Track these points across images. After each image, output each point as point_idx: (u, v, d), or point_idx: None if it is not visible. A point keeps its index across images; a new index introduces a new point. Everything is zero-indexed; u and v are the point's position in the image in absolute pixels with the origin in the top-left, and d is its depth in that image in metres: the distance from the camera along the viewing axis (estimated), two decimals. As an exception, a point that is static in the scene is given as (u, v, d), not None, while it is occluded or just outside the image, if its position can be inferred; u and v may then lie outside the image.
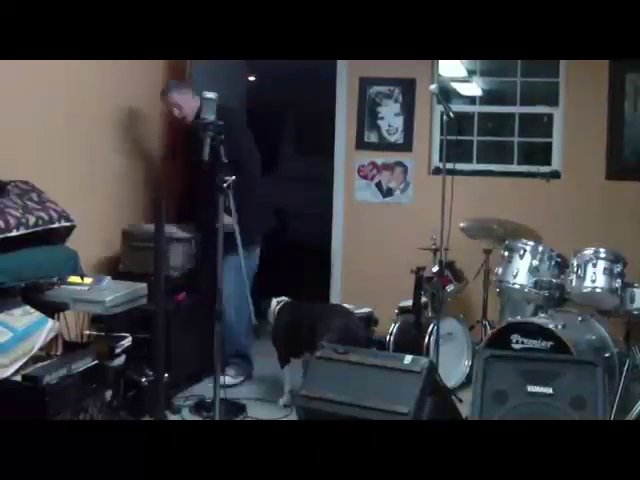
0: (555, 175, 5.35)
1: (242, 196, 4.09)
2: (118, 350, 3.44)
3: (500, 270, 4.29)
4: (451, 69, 5.58)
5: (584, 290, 3.93)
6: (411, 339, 4.44)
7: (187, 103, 4.42)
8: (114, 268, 4.31)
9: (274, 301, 4.33)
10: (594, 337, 3.95)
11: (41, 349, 3.10)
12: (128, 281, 3.77)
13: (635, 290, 3.85)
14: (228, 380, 4.39)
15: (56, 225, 3.29)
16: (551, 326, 3.75)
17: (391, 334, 4.57)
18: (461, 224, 4.56)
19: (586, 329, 3.98)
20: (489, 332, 4.25)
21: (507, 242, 4.37)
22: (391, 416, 2.96)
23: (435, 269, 4.53)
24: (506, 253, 4.31)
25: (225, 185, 3.05)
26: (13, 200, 3.22)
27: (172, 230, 4.31)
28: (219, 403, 3.10)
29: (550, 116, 5.42)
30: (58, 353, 3.23)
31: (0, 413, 2.82)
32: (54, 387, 2.93)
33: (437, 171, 5.42)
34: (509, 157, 5.55)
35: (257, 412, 4.02)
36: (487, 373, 3.21)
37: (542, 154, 5.49)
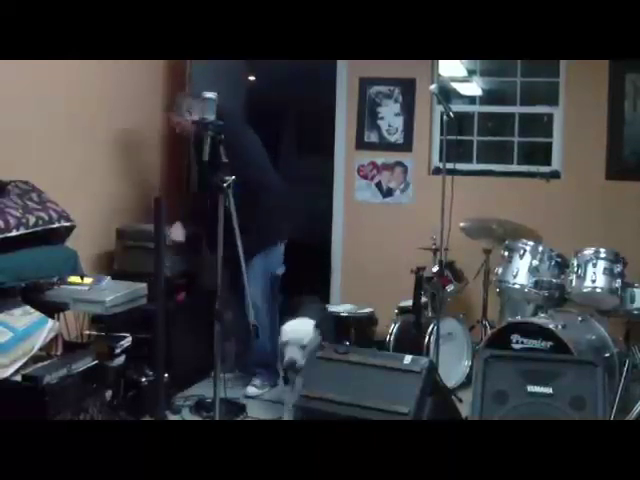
0: (555, 175, 5.34)
1: (253, 198, 4.12)
2: (118, 350, 3.44)
3: (500, 270, 4.29)
4: (451, 69, 5.58)
5: (584, 290, 3.93)
6: (411, 339, 4.44)
7: (184, 123, 4.37)
8: (112, 268, 4.31)
9: None
10: (594, 337, 3.95)
11: (41, 349, 3.10)
12: (128, 281, 3.77)
13: (635, 290, 3.85)
14: (253, 391, 4.33)
15: (56, 225, 3.29)
16: (551, 326, 3.75)
17: (391, 334, 4.56)
18: (461, 224, 4.56)
19: (586, 329, 3.98)
20: (489, 332, 4.25)
21: (507, 242, 4.37)
22: (391, 416, 2.97)
23: (435, 269, 4.53)
24: (506, 253, 4.31)
25: (225, 185, 3.06)
26: (13, 200, 3.22)
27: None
28: (219, 403, 3.10)
29: (550, 116, 5.42)
30: (58, 353, 3.23)
31: (0, 413, 2.82)
32: (54, 387, 2.93)
33: (437, 171, 5.42)
34: (509, 157, 5.55)
35: (257, 412, 4.02)
36: (487, 373, 3.21)
37: (542, 154, 5.49)
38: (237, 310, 4.16)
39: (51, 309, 3.30)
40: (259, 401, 4.25)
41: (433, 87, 4.18)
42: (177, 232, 4.35)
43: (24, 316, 3.11)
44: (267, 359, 4.41)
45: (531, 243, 4.28)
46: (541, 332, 3.75)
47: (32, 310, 3.17)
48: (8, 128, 3.55)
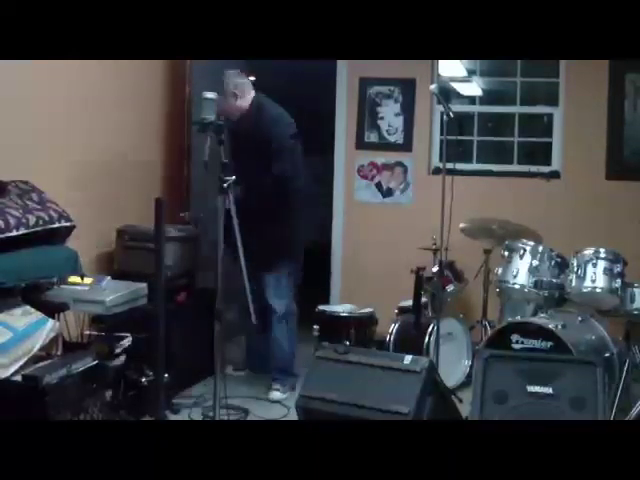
0: (555, 175, 5.35)
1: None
2: (118, 350, 3.43)
3: (500, 270, 4.28)
4: (451, 69, 5.58)
5: (584, 290, 3.93)
6: (411, 339, 4.44)
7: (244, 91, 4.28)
8: (112, 268, 4.31)
9: None
10: (594, 337, 3.95)
11: (41, 349, 3.10)
12: (128, 281, 3.77)
13: (635, 290, 3.85)
14: (277, 395, 4.31)
15: (56, 225, 3.29)
16: (551, 326, 3.75)
17: (391, 334, 4.56)
18: (461, 225, 4.56)
19: (586, 329, 3.98)
20: (489, 332, 4.25)
21: (507, 242, 4.37)
22: (391, 416, 2.97)
23: (435, 269, 4.53)
24: (506, 253, 4.31)
25: (225, 185, 3.06)
26: (13, 200, 3.22)
27: (167, 229, 4.31)
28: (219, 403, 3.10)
29: (550, 116, 5.42)
30: (58, 353, 3.22)
31: (0, 413, 2.82)
32: (54, 387, 2.93)
33: (437, 171, 5.42)
34: (509, 157, 5.55)
35: (257, 412, 4.02)
36: (487, 373, 3.21)
37: (542, 154, 5.49)
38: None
39: (51, 309, 3.30)
40: (259, 401, 4.24)
41: (433, 87, 4.18)
42: None
43: (24, 316, 3.11)
44: (285, 364, 4.42)
45: (531, 243, 4.28)
46: (541, 332, 3.75)
47: (32, 310, 3.17)
48: (8, 128, 3.56)
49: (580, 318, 4.02)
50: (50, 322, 3.18)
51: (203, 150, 3.10)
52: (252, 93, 4.31)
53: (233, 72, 4.28)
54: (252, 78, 4.50)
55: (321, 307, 4.53)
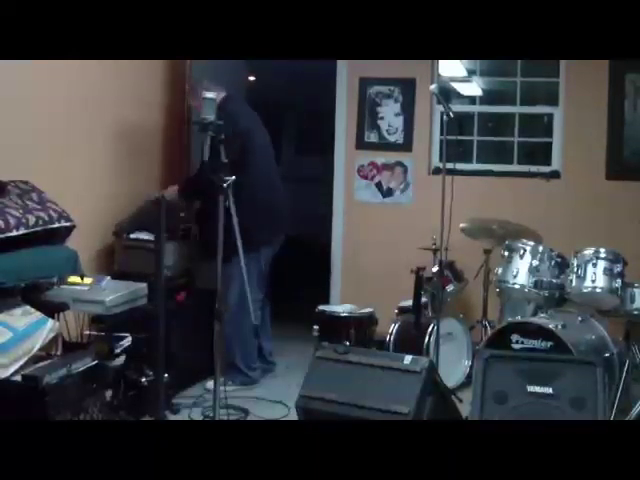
0: (555, 175, 5.35)
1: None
2: (118, 350, 3.43)
3: (500, 270, 4.28)
4: (451, 69, 5.58)
5: (584, 290, 3.93)
6: (411, 339, 4.44)
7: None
8: (112, 268, 4.31)
9: None
10: (594, 337, 3.95)
11: (41, 349, 3.10)
12: (128, 281, 3.77)
13: (635, 290, 3.85)
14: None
15: (56, 225, 3.29)
16: (551, 326, 3.75)
17: (391, 334, 4.56)
18: (461, 225, 4.56)
19: (586, 329, 3.98)
20: (489, 332, 4.24)
21: (507, 242, 4.36)
22: (391, 416, 2.97)
23: (435, 269, 4.53)
24: (506, 253, 4.31)
25: (225, 185, 3.06)
26: (13, 200, 3.22)
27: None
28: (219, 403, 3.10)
29: (550, 116, 5.42)
30: (58, 353, 3.22)
31: (0, 413, 2.82)
32: (54, 387, 2.93)
33: (437, 171, 5.42)
34: (509, 157, 5.55)
35: (257, 412, 4.02)
36: (487, 373, 3.21)
37: (542, 154, 5.49)
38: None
39: (51, 309, 3.30)
40: (259, 401, 4.25)
41: (433, 87, 4.18)
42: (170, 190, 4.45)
43: (24, 316, 3.11)
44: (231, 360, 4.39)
45: (531, 243, 4.28)
46: (541, 332, 3.75)
47: (32, 310, 3.16)
48: (8, 128, 3.56)
49: (580, 318, 4.02)
50: (50, 322, 3.18)
51: (203, 150, 3.10)
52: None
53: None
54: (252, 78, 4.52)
55: (321, 307, 4.52)
